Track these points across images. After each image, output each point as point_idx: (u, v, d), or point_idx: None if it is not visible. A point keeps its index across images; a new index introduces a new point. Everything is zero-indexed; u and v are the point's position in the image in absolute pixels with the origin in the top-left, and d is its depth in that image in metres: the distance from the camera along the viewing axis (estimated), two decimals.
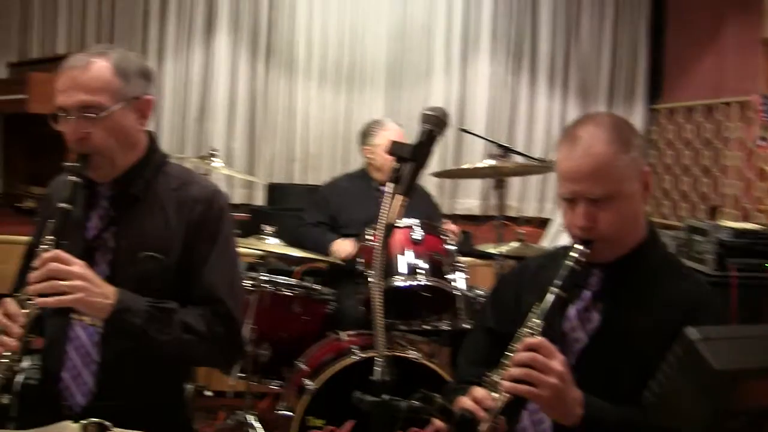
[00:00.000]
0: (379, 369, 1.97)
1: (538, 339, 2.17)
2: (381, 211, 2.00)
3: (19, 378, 2.62)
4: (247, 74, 8.11)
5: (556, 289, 2.24)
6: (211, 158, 5.08)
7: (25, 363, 2.59)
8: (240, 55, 8.08)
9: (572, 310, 2.38)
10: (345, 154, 8.06)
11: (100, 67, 2.49)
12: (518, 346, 2.18)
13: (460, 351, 2.77)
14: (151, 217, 2.59)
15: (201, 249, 2.59)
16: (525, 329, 2.22)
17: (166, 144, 7.95)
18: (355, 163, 6.03)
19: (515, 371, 2.14)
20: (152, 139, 2.72)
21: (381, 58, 8.16)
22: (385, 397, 1.93)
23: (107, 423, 1.62)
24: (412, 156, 2.04)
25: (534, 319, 2.22)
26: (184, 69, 8.09)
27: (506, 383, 2.13)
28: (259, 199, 7.96)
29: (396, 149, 2.06)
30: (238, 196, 8.08)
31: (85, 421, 1.74)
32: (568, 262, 2.27)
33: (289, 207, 6.66)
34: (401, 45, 8.17)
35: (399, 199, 2.01)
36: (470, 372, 2.47)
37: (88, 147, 2.49)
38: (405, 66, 8.20)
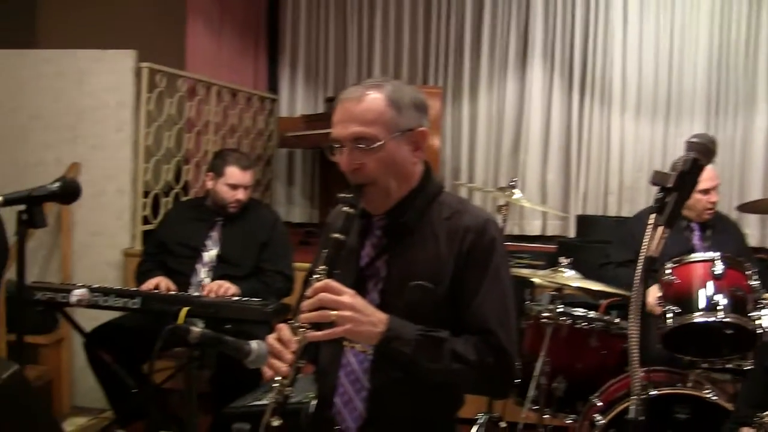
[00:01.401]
0: (634, 409, 1.90)
1: None
2: (643, 244, 1.94)
3: (313, 402, 2.76)
4: (561, 105, 8.05)
5: None
6: (511, 189, 5.07)
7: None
8: (554, 86, 8.05)
9: None
10: None
11: (374, 99, 2.52)
12: None
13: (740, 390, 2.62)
14: (422, 246, 2.59)
15: (471, 279, 2.55)
16: None
17: (480, 176, 8.10)
18: None
19: None
20: (428, 169, 2.71)
21: (700, 87, 7.79)
22: None
23: None
24: (675, 185, 1.96)
25: None
26: (496, 101, 8.19)
27: None
28: (573, 230, 7.86)
29: (658, 179, 1.99)
30: (551, 228, 8.05)
31: None
32: None
33: (597, 239, 6.54)
34: (721, 72, 7.79)
35: (660, 230, 1.94)
36: (745, 413, 2.33)
37: (362, 178, 2.54)
38: (725, 94, 7.78)
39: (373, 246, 2.65)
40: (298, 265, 5.17)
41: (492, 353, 2.49)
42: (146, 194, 6.28)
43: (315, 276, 2.41)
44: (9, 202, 3.13)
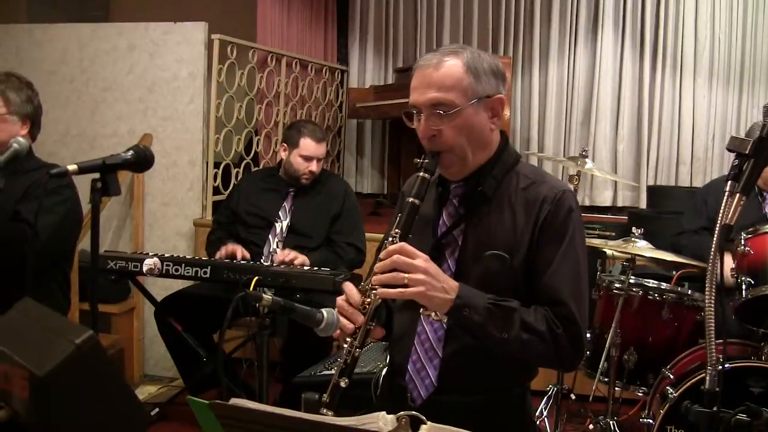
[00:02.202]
0: (710, 380, 1.87)
1: None
2: (719, 212, 1.91)
3: (384, 371, 2.77)
4: (632, 74, 7.92)
5: None
6: (582, 159, 5.01)
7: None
8: (625, 54, 7.91)
9: None
10: None
11: (452, 65, 2.50)
12: None
13: None
14: (499, 216, 2.57)
15: (546, 250, 2.52)
16: None
17: (550, 146, 8.02)
18: None
19: None
20: (505, 138, 2.70)
21: None
22: (714, 408, 1.83)
23: (422, 417, 1.64)
24: (752, 152, 1.91)
25: None
26: (567, 70, 8.10)
27: None
28: (644, 201, 7.75)
29: (735, 145, 1.95)
30: (621, 199, 7.96)
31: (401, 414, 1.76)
32: None
33: (668, 210, 6.44)
34: None
35: (737, 198, 1.90)
36: None
37: (439, 144, 2.51)
38: None
39: (450, 215, 2.64)
40: (368, 235, 5.18)
41: (561, 324, 2.46)
42: (217, 165, 6.33)
43: (389, 239, 2.41)
44: (83, 170, 3.14)
